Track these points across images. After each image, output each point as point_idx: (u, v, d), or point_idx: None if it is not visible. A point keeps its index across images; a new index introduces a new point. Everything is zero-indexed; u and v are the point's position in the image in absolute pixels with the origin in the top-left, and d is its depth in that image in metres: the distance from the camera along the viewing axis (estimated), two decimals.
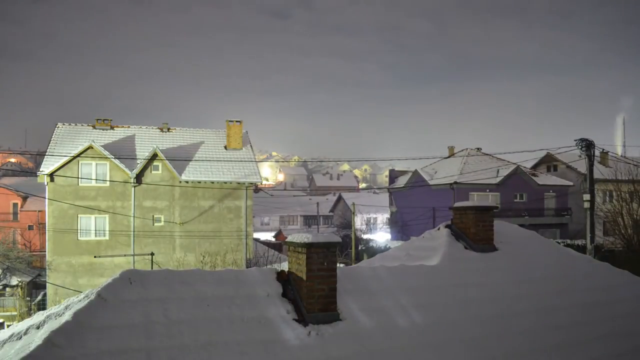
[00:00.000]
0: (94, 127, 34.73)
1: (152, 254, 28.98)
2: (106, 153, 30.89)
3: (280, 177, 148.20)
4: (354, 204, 39.71)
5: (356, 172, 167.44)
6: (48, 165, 30.28)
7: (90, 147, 30.76)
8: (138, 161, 31.76)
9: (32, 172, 69.03)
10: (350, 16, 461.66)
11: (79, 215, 30.75)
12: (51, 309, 6.73)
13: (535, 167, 46.92)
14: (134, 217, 31.39)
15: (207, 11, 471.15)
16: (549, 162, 47.17)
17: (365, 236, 51.82)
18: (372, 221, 64.32)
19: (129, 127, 35.69)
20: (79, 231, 30.76)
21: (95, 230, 31.25)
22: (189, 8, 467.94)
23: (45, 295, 31.07)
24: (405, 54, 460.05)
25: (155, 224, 31.98)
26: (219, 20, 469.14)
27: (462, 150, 45.57)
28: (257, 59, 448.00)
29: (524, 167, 42.38)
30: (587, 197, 21.71)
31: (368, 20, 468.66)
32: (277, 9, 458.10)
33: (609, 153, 35.24)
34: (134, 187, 31.50)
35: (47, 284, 29.86)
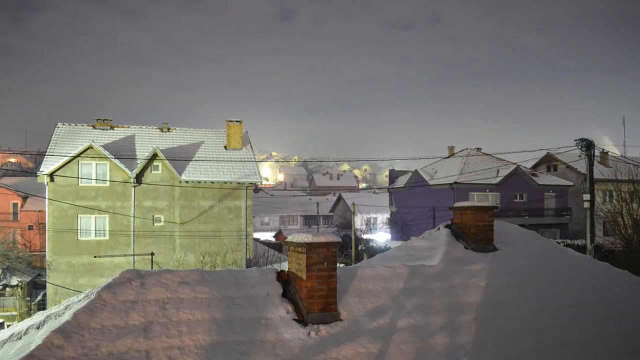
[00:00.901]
0: (94, 127, 34.72)
1: (152, 254, 28.98)
2: (106, 153, 30.89)
3: (280, 177, 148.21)
4: (354, 204, 39.70)
5: (356, 172, 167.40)
6: (48, 165, 30.27)
7: (90, 147, 30.75)
8: (138, 161, 31.76)
9: (32, 172, 69.03)
10: (466, 28, 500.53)
11: (79, 215, 30.74)
12: (51, 309, 6.73)
13: (535, 167, 46.91)
14: (134, 217, 31.39)
15: (338, 23, 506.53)
16: (549, 162, 47.18)
17: (365, 236, 51.78)
18: (372, 221, 64.31)
19: (129, 127, 35.68)
20: (79, 231, 30.76)
21: (95, 230, 31.24)
22: (325, 22, 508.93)
23: (45, 295, 31.07)
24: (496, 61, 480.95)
25: (155, 224, 31.98)
26: (348, 30, 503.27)
27: (462, 150, 45.57)
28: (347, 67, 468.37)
29: (524, 167, 42.37)
30: (587, 197, 21.73)
31: (482, 31, 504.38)
32: (402, 21, 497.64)
33: (608, 153, 35.25)
34: (134, 187, 31.49)
35: (47, 284, 29.85)
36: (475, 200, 36.40)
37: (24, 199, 52.20)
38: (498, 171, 39.95)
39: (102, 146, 31.36)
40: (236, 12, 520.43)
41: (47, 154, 31.11)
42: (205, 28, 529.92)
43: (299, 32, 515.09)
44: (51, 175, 30.14)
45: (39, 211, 49.36)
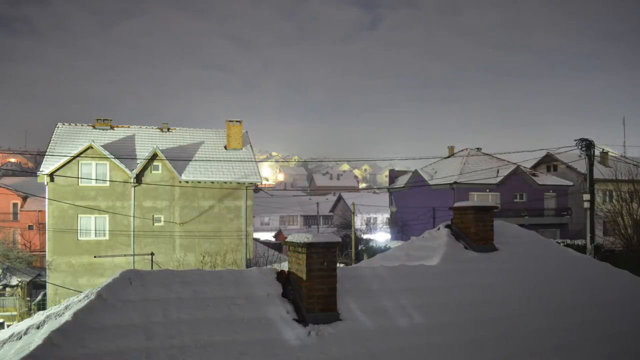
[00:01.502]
0: (94, 127, 34.73)
1: (152, 254, 28.96)
2: (106, 153, 30.89)
3: (280, 177, 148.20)
4: (353, 204, 39.67)
5: (356, 172, 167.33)
6: (48, 165, 30.28)
7: (90, 147, 30.76)
8: (138, 161, 31.76)
9: (32, 172, 69.07)
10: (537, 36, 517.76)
11: (79, 215, 30.75)
12: (51, 309, 6.73)
13: (535, 167, 46.90)
14: (134, 217, 31.39)
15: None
16: (549, 162, 47.17)
17: (365, 236, 51.75)
18: (372, 221, 64.26)
19: (129, 127, 35.69)
20: (79, 231, 30.77)
21: (95, 230, 31.25)
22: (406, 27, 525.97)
23: (45, 295, 31.07)
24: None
25: (155, 224, 31.98)
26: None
27: (462, 150, 45.55)
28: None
29: (524, 167, 42.36)
30: (587, 197, 21.75)
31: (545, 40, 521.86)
32: (476, 29, 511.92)
33: (608, 153, 35.26)
34: (134, 187, 31.50)
35: (47, 284, 29.86)
36: (475, 200, 36.40)
37: (24, 199, 52.21)
38: (498, 171, 39.94)
39: (102, 146, 31.37)
40: (327, 20, 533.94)
41: (47, 154, 31.12)
42: (292, 36, 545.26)
43: (378, 38, 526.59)
44: (51, 175, 30.14)
45: (39, 211, 49.37)
